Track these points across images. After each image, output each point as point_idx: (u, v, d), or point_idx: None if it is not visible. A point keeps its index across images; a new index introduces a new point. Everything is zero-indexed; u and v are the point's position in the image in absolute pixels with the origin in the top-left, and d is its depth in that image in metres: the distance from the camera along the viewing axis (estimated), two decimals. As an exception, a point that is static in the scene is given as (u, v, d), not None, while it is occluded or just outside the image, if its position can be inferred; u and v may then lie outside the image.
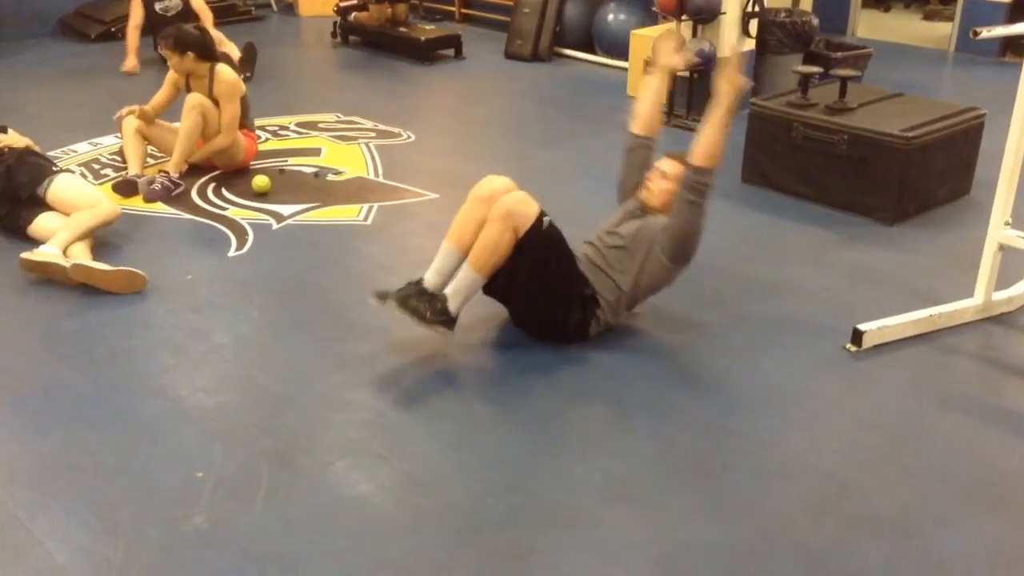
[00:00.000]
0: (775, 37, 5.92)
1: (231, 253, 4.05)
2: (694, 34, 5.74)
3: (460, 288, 3.16)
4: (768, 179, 4.77)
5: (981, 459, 2.77)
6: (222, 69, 4.74)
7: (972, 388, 3.17)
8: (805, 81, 4.77)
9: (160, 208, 4.48)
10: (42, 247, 3.74)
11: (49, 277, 3.68)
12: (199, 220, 4.38)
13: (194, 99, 4.61)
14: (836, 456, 2.77)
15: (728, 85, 3.08)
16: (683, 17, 5.62)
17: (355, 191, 4.77)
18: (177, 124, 4.72)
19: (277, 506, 2.54)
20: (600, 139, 5.44)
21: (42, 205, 4.01)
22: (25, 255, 3.69)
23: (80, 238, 3.83)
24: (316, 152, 5.32)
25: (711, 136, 3.08)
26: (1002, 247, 3.39)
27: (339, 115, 5.96)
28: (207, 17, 6.95)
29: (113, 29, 7.77)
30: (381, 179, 4.94)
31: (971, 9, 7.55)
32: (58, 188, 4.01)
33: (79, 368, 3.18)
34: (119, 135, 4.94)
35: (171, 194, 4.56)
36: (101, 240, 3.99)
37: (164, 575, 2.32)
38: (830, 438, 2.86)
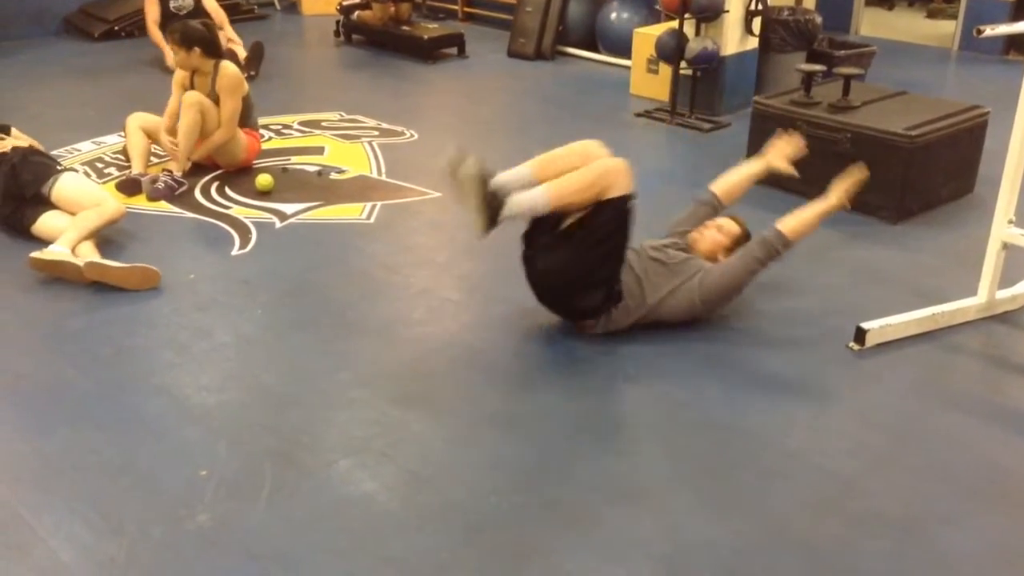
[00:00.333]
0: (778, 35, 5.92)
1: (234, 252, 4.06)
2: (697, 32, 5.74)
3: (524, 200, 3.11)
4: (771, 177, 4.74)
5: (984, 457, 2.77)
6: (226, 65, 4.75)
7: (975, 387, 3.17)
8: (808, 79, 4.76)
9: (163, 207, 4.49)
10: (51, 246, 3.75)
11: (59, 276, 3.69)
12: (202, 219, 4.39)
13: (192, 97, 4.62)
14: (839, 454, 2.77)
15: (842, 197, 3.38)
16: (686, 15, 5.61)
17: (358, 190, 4.78)
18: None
19: (280, 505, 2.54)
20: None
21: (46, 204, 4.02)
22: (35, 254, 3.70)
23: (87, 237, 3.84)
24: (319, 151, 5.32)
25: (809, 222, 3.31)
26: (1006, 245, 3.39)
27: (342, 114, 5.96)
28: (221, 18, 6.97)
29: (116, 28, 7.78)
30: (384, 178, 4.94)
31: (975, 7, 7.54)
32: (63, 187, 4.02)
33: (83, 367, 3.19)
34: (123, 134, 4.95)
35: (175, 193, 4.57)
36: (105, 239, 3.99)
37: (168, 573, 2.33)
38: (833, 436, 2.86)
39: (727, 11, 5.64)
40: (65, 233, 3.80)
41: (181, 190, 4.60)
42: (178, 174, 4.63)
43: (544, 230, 3.22)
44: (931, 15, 9.20)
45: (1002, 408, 3.04)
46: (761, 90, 5.75)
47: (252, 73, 6.62)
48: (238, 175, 4.85)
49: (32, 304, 3.62)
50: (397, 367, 3.21)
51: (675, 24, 5.69)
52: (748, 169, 3.75)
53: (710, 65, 5.70)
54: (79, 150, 5.23)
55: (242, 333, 3.43)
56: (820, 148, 4.51)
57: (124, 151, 4.97)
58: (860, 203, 4.40)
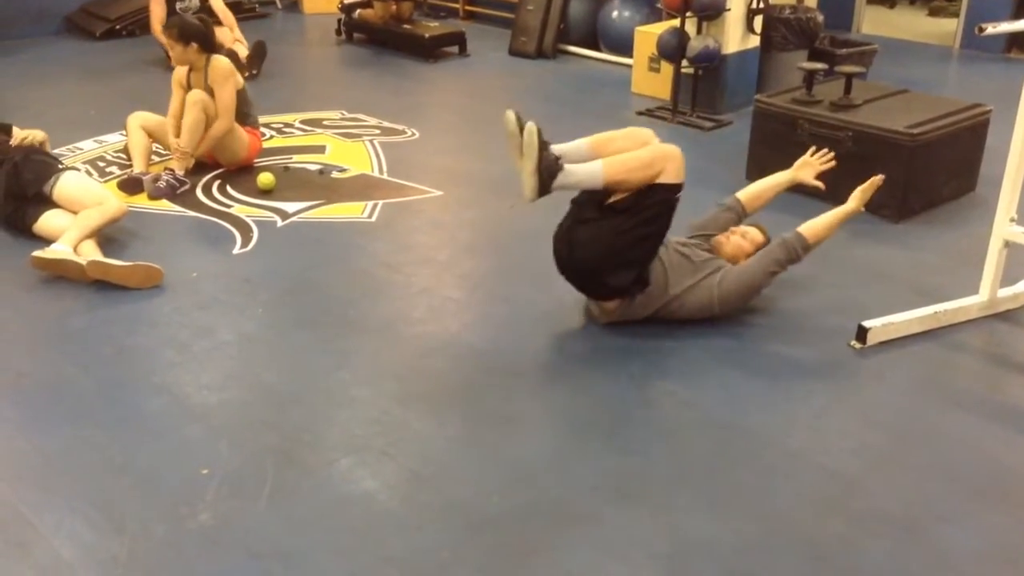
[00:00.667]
0: (780, 34, 5.91)
1: (236, 250, 4.06)
2: (698, 31, 5.73)
3: (580, 171, 3.13)
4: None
5: (986, 456, 2.77)
6: (216, 58, 4.76)
7: (977, 385, 3.17)
8: (810, 78, 4.76)
9: (165, 205, 4.49)
10: (53, 245, 3.76)
11: (61, 275, 3.69)
12: (204, 217, 4.39)
13: (195, 95, 4.63)
14: (841, 453, 2.76)
15: (861, 201, 3.50)
16: (688, 14, 5.61)
17: (360, 188, 4.78)
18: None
19: (282, 503, 2.54)
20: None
21: (48, 203, 4.03)
22: (37, 253, 3.70)
23: (89, 236, 3.84)
24: (320, 149, 5.32)
25: (828, 226, 3.42)
26: (1007, 244, 3.38)
27: (343, 112, 5.96)
28: (229, 20, 6.98)
29: (118, 27, 7.78)
30: (385, 176, 4.94)
31: (977, 5, 7.52)
32: (64, 186, 4.02)
33: (85, 365, 3.19)
34: (124, 132, 4.95)
35: (176, 192, 4.57)
36: (107, 237, 3.99)
37: (169, 572, 2.33)
38: (835, 435, 2.86)
39: (729, 9, 5.63)
40: (67, 232, 3.80)
41: (183, 189, 4.60)
42: (180, 173, 4.63)
43: (591, 204, 3.23)
44: (933, 13, 9.18)
45: (1004, 406, 3.03)
46: (763, 88, 5.74)
47: (254, 72, 6.63)
48: (239, 174, 4.85)
49: (34, 303, 3.62)
50: (398, 366, 3.21)
51: (676, 22, 5.68)
52: (775, 180, 3.81)
53: (711, 63, 5.69)
54: (81, 149, 5.23)
55: (243, 332, 3.43)
56: (822, 146, 4.51)
57: (125, 150, 4.96)
58: (862, 201, 4.42)
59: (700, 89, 5.82)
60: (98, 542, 2.40)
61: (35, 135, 4.30)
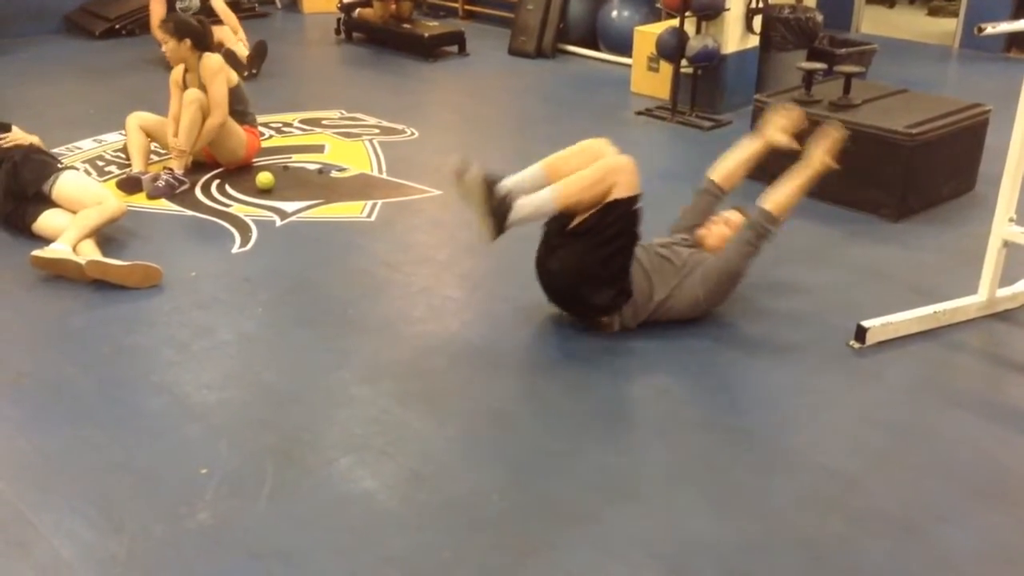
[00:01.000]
0: (779, 33, 5.91)
1: (235, 250, 4.06)
2: (698, 30, 5.73)
3: (531, 204, 3.14)
4: (771, 176, 4.69)
5: (985, 455, 2.77)
6: (208, 56, 4.77)
7: (976, 385, 3.17)
8: (809, 77, 4.76)
9: (164, 205, 4.49)
10: (52, 245, 3.76)
11: (60, 274, 3.69)
12: (203, 217, 4.39)
13: (191, 94, 4.63)
14: (840, 453, 2.77)
15: (824, 158, 3.29)
16: (687, 13, 5.61)
17: (359, 188, 4.78)
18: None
19: (281, 502, 2.54)
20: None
21: (47, 202, 4.03)
22: (36, 253, 3.70)
23: (88, 235, 3.84)
24: (320, 149, 5.32)
25: (792, 193, 3.26)
26: (1006, 244, 3.38)
27: (343, 112, 5.96)
28: (231, 21, 6.98)
29: (117, 26, 7.78)
30: (385, 176, 4.94)
31: (976, 5, 7.52)
32: (63, 185, 4.02)
33: (84, 365, 3.19)
34: (123, 132, 4.95)
35: (175, 191, 4.57)
36: (106, 237, 3.99)
37: (168, 571, 2.33)
38: (834, 435, 2.86)
39: (728, 9, 5.63)
40: (66, 231, 3.80)
41: (182, 188, 4.60)
42: (179, 172, 4.63)
43: (556, 231, 3.25)
44: (932, 13, 9.18)
45: (1003, 406, 3.04)
46: (762, 88, 5.75)
47: (254, 71, 6.62)
48: (238, 173, 4.85)
49: (33, 302, 3.62)
50: (398, 365, 3.21)
51: (676, 22, 5.68)
52: (746, 150, 3.62)
53: (711, 63, 5.69)
54: (80, 148, 5.23)
55: (243, 331, 3.43)
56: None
57: (125, 149, 4.97)
58: (861, 201, 4.43)
59: (699, 89, 5.82)
60: (97, 541, 2.40)
61: (28, 138, 4.28)
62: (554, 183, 3.16)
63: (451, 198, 4.61)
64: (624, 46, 6.82)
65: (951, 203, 4.56)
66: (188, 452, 2.74)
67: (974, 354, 3.35)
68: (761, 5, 5.80)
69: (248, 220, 4.33)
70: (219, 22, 6.79)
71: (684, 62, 5.73)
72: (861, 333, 3.29)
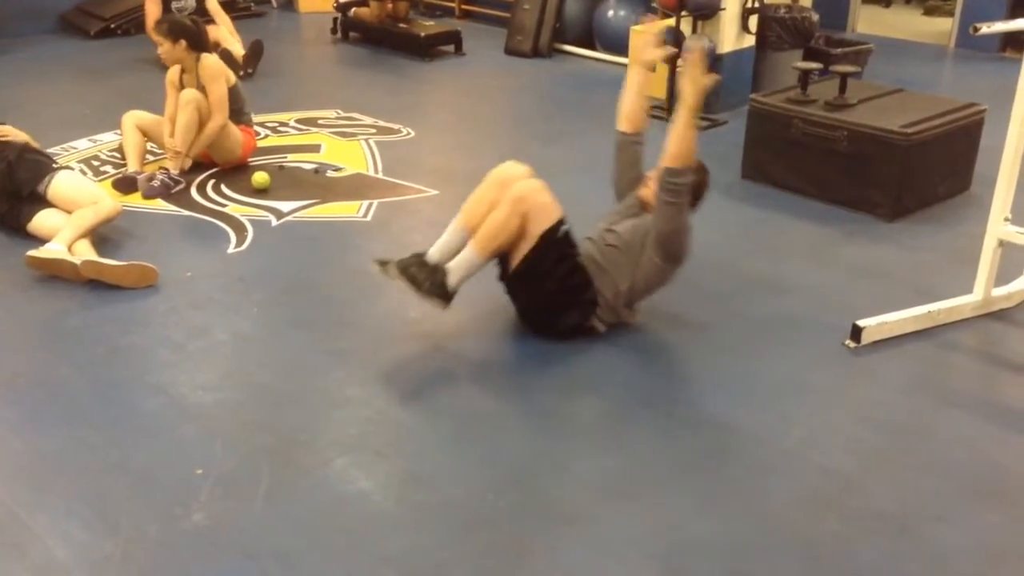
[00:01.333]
0: (775, 33, 5.92)
1: (231, 250, 4.05)
2: (694, 30, 5.73)
3: (461, 265, 3.18)
4: (768, 175, 4.76)
5: (980, 455, 2.77)
6: (206, 56, 4.76)
7: (971, 384, 3.17)
8: (805, 77, 4.76)
9: (159, 205, 4.48)
10: (48, 245, 3.75)
11: (55, 274, 3.68)
12: (198, 217, 4.38)
13: (188, 95, 4.62)
14: (836, 452, 2.77)
15: (691, 84, 3.07)
16: (683, 13, 5.61)
17: (355, 188, 4.77)
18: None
19: (277, 503, 2.54)
20: (600, 136, 5.39)
21: (42, 202, 4.02)
22: (32, 253, 3.70)
23: (83, 235, 3.84)
24: (316, 148, 5.32)
25: (679, 136, 3.08)
26: (1002, 243, 3.39)
27: (339, 111, 5.95)
28: (224, 20, 6.97)
29: (113, 26, 7.76)
30: (381, 175, 4.94)
31: (972, 5, 7.53)
32: (59, 185, 4.01)
33: (79, 365, 3.18)
34: (119, 131, 4.94)
35: (170, 191, 4.56)
36: (101, 237, 3.98)
37: (163, 572, 2.32)
38: (830, 434, 2.86)
39: (724, 9, 5.64)
40: (61, 231, 3.80)
41: (177, 188, 4.60)
42: (175, 172, 4.62)
43: (505, 277, 3.31)
44: (928, 12, 9.20)
45: (998, 405, 3.04)
46: (758, 88, 5.75)
47: (249, 71, 6.61)
48: (234, 173, 4.85)
49: (28, 302, 3.61)
50: (393, 366, 3.21)
51: (672, 22, 5.68)
52: (632, 86, 3.50)
53: (707, 63, 5.68)
54: (75, 148, 5.22)
55: (238, 331, 3.42)
56: (817, 146, 4.53)
57: (120, 149, 4.96)
58: (856, 200, 4.43)
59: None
60: (92, 542, 2.39)
61: (18, 135, 4.26)
62: (475, 229, 3.18)
63: (448, 198, 4.62)
64: (620, 46, 6.82)
65: (946, 203, 4.57)
66: (183, 453, 2.74)
67: (970, 353, 3.36)
68: (757, 5, 5.80)
69: (244, 220, 4.32)
70: (213, 22, 6.78)
71: (680, 62, 5.73)
72: (857, 332, 3.29)
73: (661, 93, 6.00)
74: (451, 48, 7.50)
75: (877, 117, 4.43)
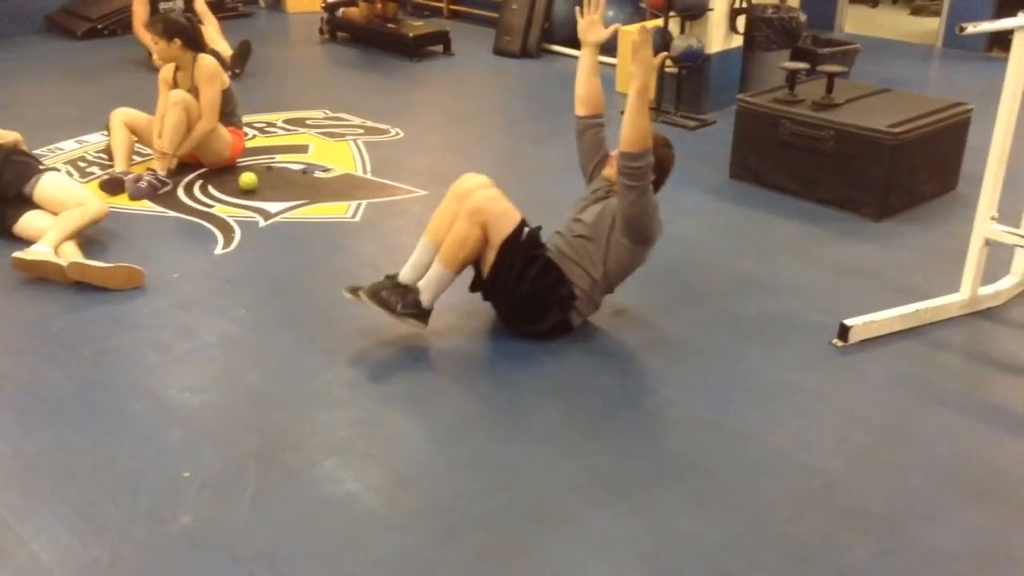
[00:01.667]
0: (762, 33, 5.93)
1: (218, 251, 4.04)
2: (682, 30, 5.74)
3: (431, 282, 3.22)
4: (755, 175, 4.77)
5: (967, 453, 2.78)
6: (203, 57, 4.75)
7: (958, 383, 3.18)
8: (792, 77, 4.77)
9: (146, 206, 4.46)
10: (34, 246, 3.73)
11: (41, 276, 3.67)
12: (185, 218, 4.37)
13: (177, 95, 4.61)
14: (823, 451, 2.77)
15: (639, 64, 3.09)
16: (671, 13, 5.62)
17: (343, 188, 4.76)
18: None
19: (264, 505, 2.53)
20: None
21: (28, 204, 4.00)
22: (18, 254, 3.68)
23: (70, 237, 3.82)
24: (304, 149, 5.31)
25: (631, 120, 3.06)
26: (988, 242, 3.40)
27: (327, 112, 5.94)
28: (211, 20, 6.97)
29: (99, 27, 7.74)
30: (369, 176, 4.93)
31: (958, 5, 7.56)
32: (45, 187, 3.99)
33: (65, 367, 3.17)
34: (106, 132, 4.92)
35: (157, 192, 4.55)
36: (88, 238, 3.97)
37: (151, 575, 2.31)
38: (817, 433, 2.87)
39: (712, 9, 5.64)
40: (48, 233, 3.78)
41: (164, 189, 4.58)
42: (162, 173, 4.61)
43: (477, 285, 3.34)
44: (915, 12, 9.23)
45: (985, 404, 3.05)
46: (746, 88, 5.76)
47: (237, 71, 6.60)
48: (222, 174, 4.83)
49: (14, 304, 3.59)
50: (382, 367, 3.20)
51: (660, 22, 5.69)
52: (583, 67, 3.64)
53: (695, 63, 5.70)
54: (62, 149, 5.20)
55: (225, 333, 3.41)
56: (804, 145, 4.54)
57: (107, 150, 4.94)
58: (843, 200, 4.45)
59: (684, 88, 5.83)
60: (78, 545, 2.38)
61: (8, 136, 4.25)
62: (440, 249, 3.22)
63: (436, 199, 4.60)
64: (608, 46, 6.80)
65: (933, 202, 4.58)
66: (170, 455, 2.73)
67: (957, 352, 3.37)
68: (745, 5, 5.81)
69: (231, 221, 4.31)
70: (201, 22, 6.76)
71: (668, 62, 5.74)
72: (844, 331, 3.30)
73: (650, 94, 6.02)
74: (440, 48, 7.50)
75: (864, 117, 4.45)
